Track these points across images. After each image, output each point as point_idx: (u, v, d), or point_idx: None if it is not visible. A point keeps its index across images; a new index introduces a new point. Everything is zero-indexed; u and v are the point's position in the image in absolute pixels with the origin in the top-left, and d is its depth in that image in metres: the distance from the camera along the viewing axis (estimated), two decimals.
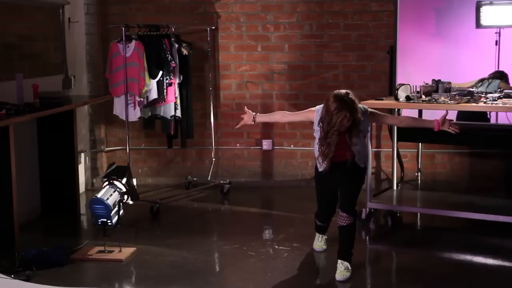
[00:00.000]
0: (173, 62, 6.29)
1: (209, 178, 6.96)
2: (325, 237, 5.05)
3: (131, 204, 5.28)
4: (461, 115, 5.84)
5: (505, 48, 5.84)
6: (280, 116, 5.06)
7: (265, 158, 7.15)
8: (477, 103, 5.38)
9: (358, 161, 4.53)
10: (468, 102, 5.44)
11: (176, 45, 6.39)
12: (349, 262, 4.55)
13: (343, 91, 4.35)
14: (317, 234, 5.07)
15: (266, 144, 7.10)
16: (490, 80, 5.87)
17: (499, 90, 5.64)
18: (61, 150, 6.06)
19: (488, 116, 5.96)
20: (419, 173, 6.62)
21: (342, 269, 4.51)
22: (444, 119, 4.64)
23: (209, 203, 6.55)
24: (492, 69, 5.91)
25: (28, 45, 6.25)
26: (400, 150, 6.45)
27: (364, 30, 6.81)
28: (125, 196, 5.04)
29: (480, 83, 5.89)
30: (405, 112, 6.11)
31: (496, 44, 5.90)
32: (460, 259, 5.05)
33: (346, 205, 4.56)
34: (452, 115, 5.89)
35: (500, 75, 5.91)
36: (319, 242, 5.06)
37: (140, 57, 6.07)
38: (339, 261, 4.55)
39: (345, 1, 6.83)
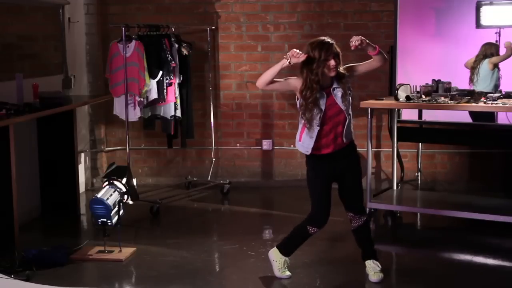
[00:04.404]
0: (173, 62, 6.28)
1: (209, 178, 6.95)
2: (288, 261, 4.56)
3: (131, 204, 5.28)
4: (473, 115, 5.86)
5: (505, 48, 5.83)
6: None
7: (265, 158, 7.14)
8: (477, 103, 5.38)
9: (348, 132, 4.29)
10: (468, 102, 5.44)
11: (176, 45, 6.39)
12: (377, 260, 4.48)
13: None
14: (283, 259, 4.55)
15: (266, 144, 7.10)
16: (480, 63, 5.86)
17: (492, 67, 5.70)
18: (61, 150, 6.06)
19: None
20: (419, 173, 6.62)
21: (377, 270, 4.43)
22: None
23: (209, 203, 6.55)
24: None
25: (28, 45, 6.24)
26: (400, 150, 6.45)
27: (364, 30, 6.79)
28: (125, 196, 5.04)
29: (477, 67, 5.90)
30: (405, 112, 6.13)
31: None
32: (460, 259, 5.05)
33: (359, 206, 4.40)
34: (464, 116, 5.87)
35: (488, 50, 5.88)
36: (284, 268, 4.56)
37: (140, 57, 6.07)
38: (371, 261, 4.44)
39: (345, 1, 6.83)
